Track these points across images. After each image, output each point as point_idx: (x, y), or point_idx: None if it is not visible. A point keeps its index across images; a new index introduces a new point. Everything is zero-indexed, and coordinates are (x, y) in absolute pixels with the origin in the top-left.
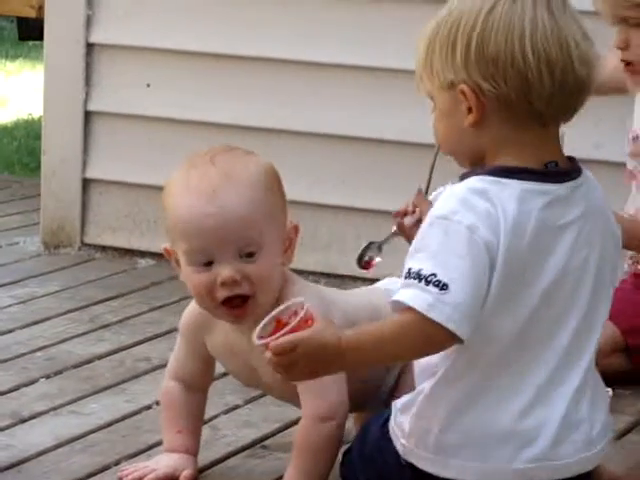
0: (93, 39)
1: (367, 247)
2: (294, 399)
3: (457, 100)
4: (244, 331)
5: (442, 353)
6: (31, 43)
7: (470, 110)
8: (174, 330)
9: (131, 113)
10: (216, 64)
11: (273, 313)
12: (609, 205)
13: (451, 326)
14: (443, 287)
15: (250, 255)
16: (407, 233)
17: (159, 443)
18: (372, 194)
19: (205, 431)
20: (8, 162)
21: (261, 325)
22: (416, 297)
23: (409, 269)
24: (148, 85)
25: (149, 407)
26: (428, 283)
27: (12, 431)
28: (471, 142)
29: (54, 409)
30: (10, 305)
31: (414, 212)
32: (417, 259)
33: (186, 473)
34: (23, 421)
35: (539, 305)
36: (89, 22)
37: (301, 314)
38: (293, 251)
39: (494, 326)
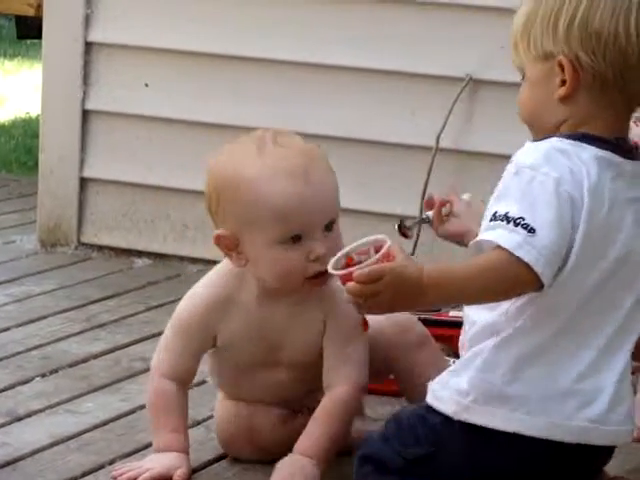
0: (91, 38)
1: (401, 223)
2: (310, 375)
3: (551, 72)
4: (275, 310)
5: (505, 314)
6: (29, 42)
7: (563, 83)
8: None
9: (129, 112)
10: (214, 64)
11: (345, 250)
12: None
13: (538, 269)
14: (531, 230)
15: (332, 227)
16: (437, 222)
17: None
18: (373, 196)
19: (199, 431)
20: (6, 160)
21: (334, 259)
22: (504, 236)
23: (495, 212)
24: (146, 85)
25: (144, 406)
26: (517, 225)
27: (8, 429)
28: (554, 114)
29: (50, 407)
30: (6, 303)
31: (445, 205)
32: (504, 204)
33: (180, 472)
34: (19, 419)
35: (608, 274)
36: (87, 21)
37: (384, 249)
38: None
39: (569, 286)
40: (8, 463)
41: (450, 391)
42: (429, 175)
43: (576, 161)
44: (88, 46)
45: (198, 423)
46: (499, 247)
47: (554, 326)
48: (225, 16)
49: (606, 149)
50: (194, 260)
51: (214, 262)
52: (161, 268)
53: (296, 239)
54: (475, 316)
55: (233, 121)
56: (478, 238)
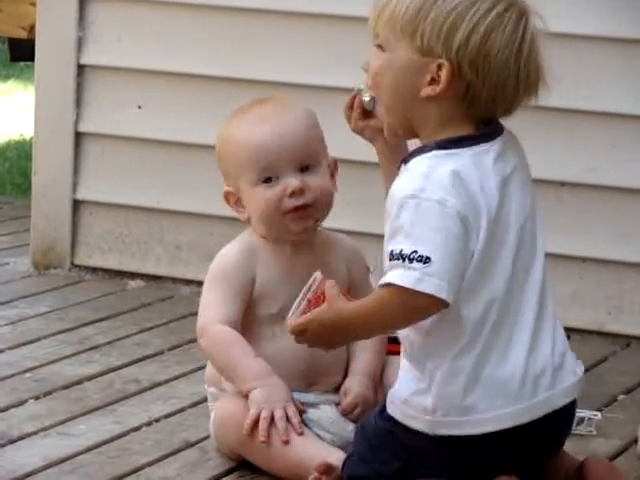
0: (84, 60)
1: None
2: None
3: (424, 68)
4: (299, 258)
5: (448, 329)
6: (23, 64)
7: (432, 82)
8: (163, 352)
9: (122, 134)
10: (207, 86)
11: (297, 300)
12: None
13: (442, 295)
14: (426, 260)
15: (309, 168)
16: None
17: (147, 464)
18: (367, 217)
19: (193, 453)
20: None
21: (292, 310)
22: (402, 276)
23: (391, 251)
24: (139, 107)
25: (137, 429)
26: (411, 260)
27: (1, 452)
28: (414, 110)
29: (43, 430)
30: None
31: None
32: (396, 241)
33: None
34: (12, 442)
35: (515, 252)
36: (80, 43)
37: (310, 293)
38: (335, 182)
39: (489, 284)
40: None
41: (417, 410)
42: None
43: (459, 172)
44: (81, 68)
45: (192, 445)
46: (395, 286)
47: (492, 323)
48: (218, 38)
49: (475, 143)
50: (187, 282)
51: None
52: (154, 290)
53: (273, 179)
54: (410, 336)
55: None
56: (381, 282)
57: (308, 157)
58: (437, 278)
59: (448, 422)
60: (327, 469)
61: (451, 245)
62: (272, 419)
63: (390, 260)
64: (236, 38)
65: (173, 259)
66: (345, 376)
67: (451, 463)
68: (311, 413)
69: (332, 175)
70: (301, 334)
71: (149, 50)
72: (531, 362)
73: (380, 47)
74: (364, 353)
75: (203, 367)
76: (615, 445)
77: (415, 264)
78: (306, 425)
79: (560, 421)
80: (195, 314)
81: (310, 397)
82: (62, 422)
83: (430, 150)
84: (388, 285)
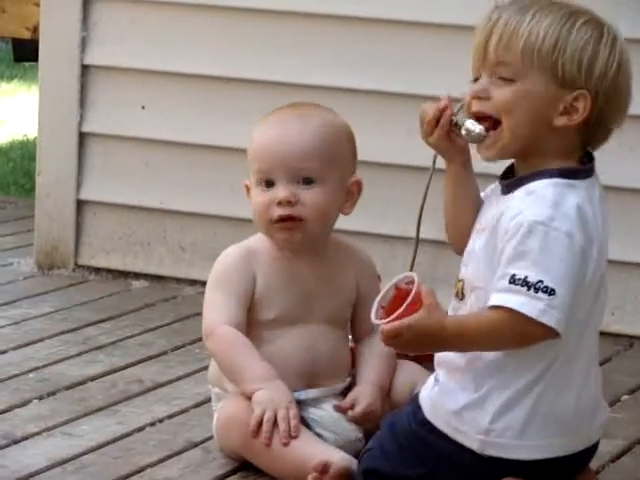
0: (88, 60)
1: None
2: (335, 336)
3: (559, 98)
4: (303, 264)
5: (528, 356)
6: (27, 64)
7: (565, 112)
8: (167, 352)
9: (125, 135)
10: (211, 86)
11: (378, 298)
12: None
13: (560, 329)
14: (551, 292)
15: (307, 182)
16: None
17: (151, 465)
18: (370, 217)
19: (197, 453)
20: (3, 183)
21: (374, 309)
22: (526, 304)
23: (513, 275)
24: (143, 107)
25: (141, 429)
26: (537, 290)
27: (5, 452)
28: (543, 137)
29: (47, 430)
30: (3, 326)
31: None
32: (521, 266)
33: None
34: (16, 442)
35: (595, 293)
36: (84, 43)
37: (410, 297)
38: (354, 204)
39: (576, 318)
40: None
41: (469, 426)
42: (425, 196)
43: (581, 204)
44: (84, 69)
45: (195, 445)
46: (516, 312)
47: (565, 354)
48: (222, 38)
49: (585, 177)
50: (191, 282)
51: None
52: (158, 290)
53: (269, 183)
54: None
55: (230, 143)
56: (499, 303)
57: (307, 170)
58: (559, 311)
59: (500, 444)
60: (325, 468)
61: (573, 279)
62: (275, 420)
63: (510, 283)
64: (240, 38)
65: (177, 259)
66: (348, 378)
67: (471, 475)
68: (313, 413)
69: (347, 200)
70: (394, 338)
71: (153, 50)
72: (581, 398)
73: (508, 77)
74: (374, 361)
75: (207, 367)
76: (619, 445)
77: (540, 294)
78: (308, 425)
79: (590, 451)
80: (199, 314)
81: (312, 392)
82: (65, 422)
83: (550, 176)
84: (503, 308)
